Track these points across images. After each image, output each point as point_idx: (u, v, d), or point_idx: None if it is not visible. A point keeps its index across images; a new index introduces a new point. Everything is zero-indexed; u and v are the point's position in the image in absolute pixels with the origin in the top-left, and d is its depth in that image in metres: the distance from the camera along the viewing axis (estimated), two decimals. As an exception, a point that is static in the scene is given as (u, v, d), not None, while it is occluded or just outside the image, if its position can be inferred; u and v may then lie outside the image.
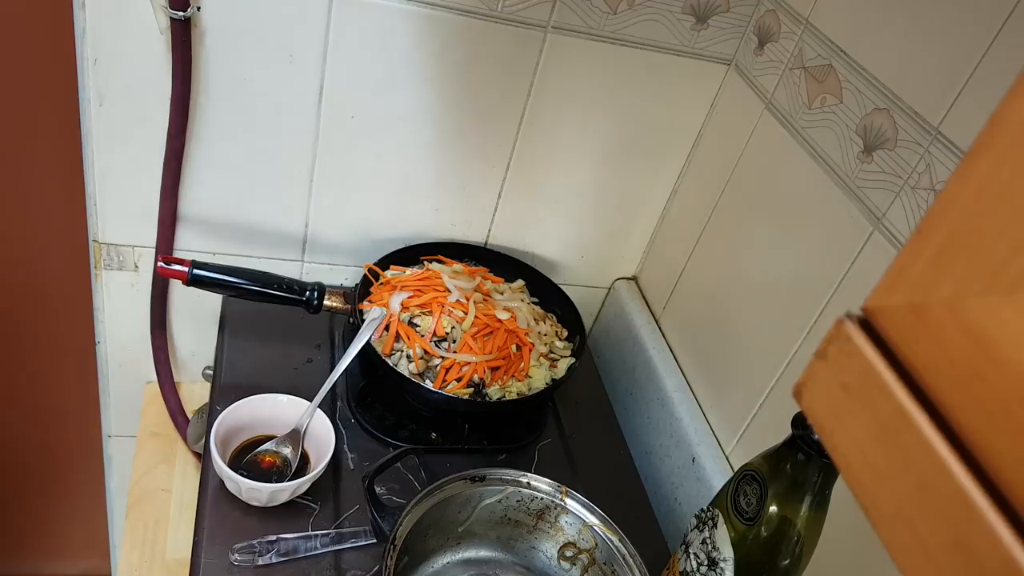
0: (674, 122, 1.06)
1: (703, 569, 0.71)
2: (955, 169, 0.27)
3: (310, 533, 0.81)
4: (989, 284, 0.24)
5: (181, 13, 0.82)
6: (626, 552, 0.81)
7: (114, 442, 1.25)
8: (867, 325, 0.29)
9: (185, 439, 1.13)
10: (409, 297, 0.98)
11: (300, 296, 0.93)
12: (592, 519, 0.83)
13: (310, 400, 0.86)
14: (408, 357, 0.93)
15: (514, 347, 0.98)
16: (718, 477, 0.91)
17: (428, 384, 0.92)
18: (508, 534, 0.86)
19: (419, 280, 1.01)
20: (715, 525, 0.70)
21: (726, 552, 0.69)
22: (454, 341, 0.96)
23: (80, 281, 1.07)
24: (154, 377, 1.14)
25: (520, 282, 1.10)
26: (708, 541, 0.71)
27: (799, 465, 0.65)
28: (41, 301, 1.11)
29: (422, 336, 0.95)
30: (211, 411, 0.89)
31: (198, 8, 0.84)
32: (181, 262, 0.88)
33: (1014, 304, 0.24)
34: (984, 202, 0.25)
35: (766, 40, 0.95)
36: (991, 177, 0.25)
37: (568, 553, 0.85)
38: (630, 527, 0.82)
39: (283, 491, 0.79)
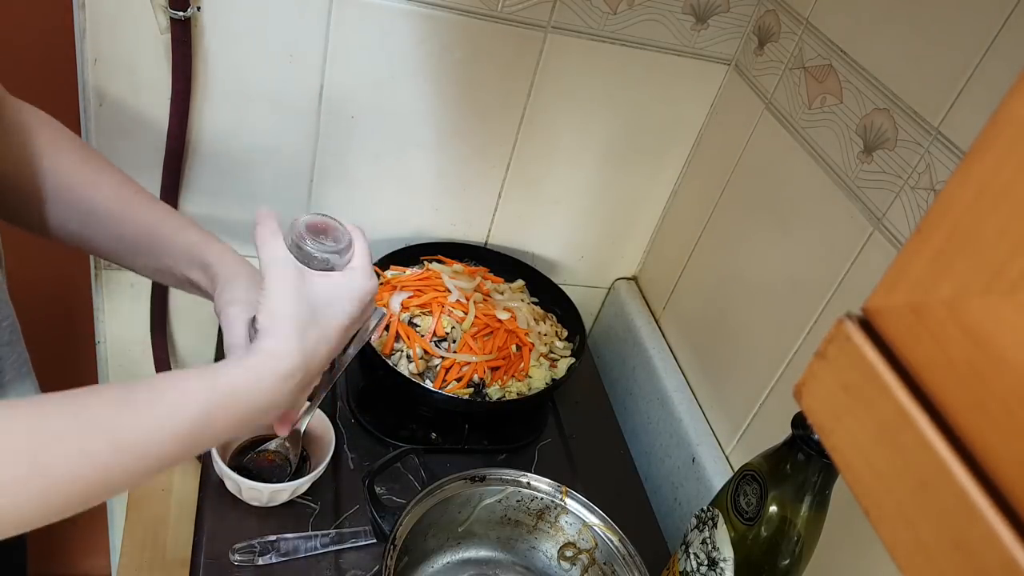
0: (674, 122, 1.06)
1: (703, 569, 0.71)
2: (955, 169, 0.27)
3: (310, 533, 0.80)
4: (989, 284, 0.24)
5: (181, 13, 0.82)
6: (626, 552, 0.81)
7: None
8: (867, 325, 0.29)
9: (185, 439, 1.12)
10: (409, 297, 0.98)
11: (300, 296, 0.93)
12: (592, 519, 0.83)
13: (310, 400, 0.86)
14: (408, 357, 0.93)
15: (514, 347, 0.98)
16: (718, 477, 0.91)
17: (428, 384, 0.92)
18: (508, 534, 0.86)
19: (419, 280, 1.01)
20: (715, 525, 0.70)
21: (726, 552, 0.69)
22: (454, 341, 0.96)
23: (80, 281, 1.07)
24: (154, 377, 1.14)
25: (520, 282, 1.10)
26: (708, 541, 0.71)
27: (799, 465, 0.65)
28: (41, 301, 1.11)
29: (422, 336, 0.95)
30: (211, 411, 0.89)
31: (198, 8, 0.84)
32: (181, 262, 0.88)
33: (1014, 304, 0.24)
34: (984, 202, 0.25)
35: (766, 40, 0.95)
36: (992, 177, 0.25)
37: (568, 553, 0.85)
38: (630, 527, 0.82)
39: (283, 491, 0.79)
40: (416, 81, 0.95)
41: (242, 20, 0.87)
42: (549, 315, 1.08)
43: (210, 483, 0.82)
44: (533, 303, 1.08)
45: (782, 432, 0.66)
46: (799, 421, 0.65)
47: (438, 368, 0.93)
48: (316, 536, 0.80)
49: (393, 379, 0.91)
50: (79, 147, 0.65)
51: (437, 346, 0.95)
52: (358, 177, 1.03)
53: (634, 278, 1.24)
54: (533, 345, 1.00)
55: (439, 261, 1.07)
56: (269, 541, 0.78)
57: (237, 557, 0.76)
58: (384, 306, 0.97)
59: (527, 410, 1.02)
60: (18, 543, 0.76)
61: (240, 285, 0.64)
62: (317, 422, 0.85)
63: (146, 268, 0.67)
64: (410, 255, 1.07)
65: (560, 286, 1.09)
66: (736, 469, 0.71)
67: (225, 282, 0.64)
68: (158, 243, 0.65)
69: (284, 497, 0.80)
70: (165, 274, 0.67)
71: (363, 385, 0.98)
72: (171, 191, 0.96)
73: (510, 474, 0.83)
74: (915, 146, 0.72)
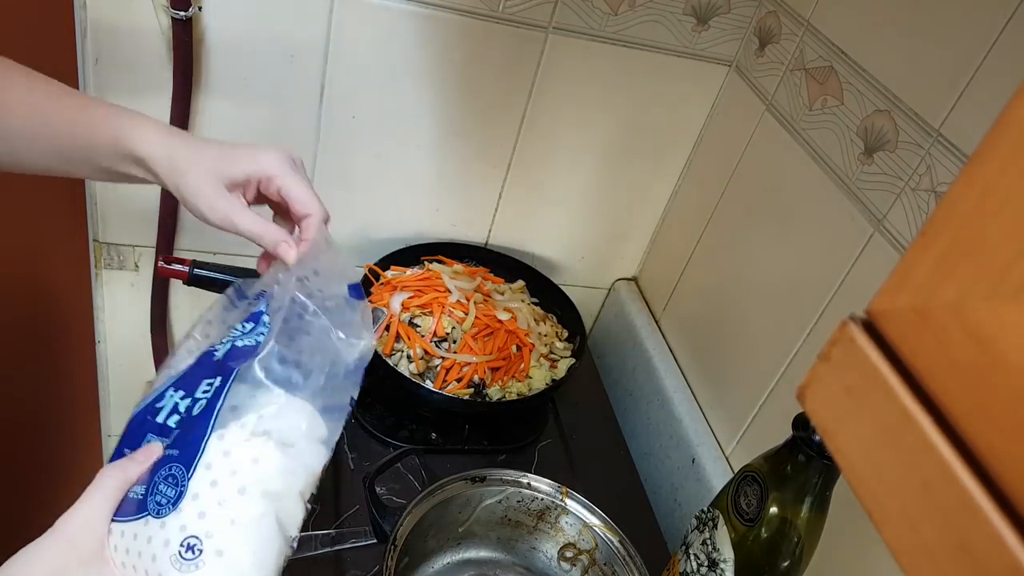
0: (675, 123, 1.06)
1: (703, 570, 0.71)
2: (959, 172, 0.27)
3: (310, 533, 0.80)
4: (993, 287, 0.24)
5: (182, 13, 0.82)
6: (626, 553, 0.81)
7: (114, 442, 1.25)
8: (871, 328, 0.29)
9: (185, 439, 1.12)
10: (410, 297, 0.98)
11: (301, 296, 0.93)
12: (592, 520, 0.83)
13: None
14: (408, 357, 0.93)
15: (514, 348, 0.98)
16: (718, 478, 0.91)
17: (428, 384, 0.92)
18: (508, 535, 0.86)
19: (419, 280, 1.01)
20: (715, 526, 0.70)
21: (726, 553, 0.69)
22: (454, 341, 0.96)
23: (80, 281, 1.07)
24: (154, 377, 1.14)
25: (520, 283, 1.10)
26: (708, 542, 0.71)
27: (800, 466, 0.65)
28: (41, 301, 1.11)
29: (422, 336, 0.95)
30: (211, 411, 0.89)
31: (199, 8, 0.84)
32: (182, 262, 0.88)
33: (1018, 307, 0.24)
34: (989, 205, 0.25)
35: (767, 41, 0.95)
36: (996, 180, 0.25)
37: (568, 554, 0.85)
38: (630, 528, 0.82)
39: (283, 491, 0.78)
40: (417, 81, 0.95)
41: (243, 20, 0.87)
42: (549, 316, 1.08)
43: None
44: (533, 304, 1.08)
45: (782, 433, 0.66)
46: (800, 422, 0.65)
47: (438, 368, 0.93)
48: (316, 536, 0.80)
49: (393, 379, 0.91)
50: None
51: (437, 346, 0.95)
52: (359, 177, 1.03)
53: (634, 279, 1.24)
54: (533, 346, 1.00)
55: (439, 261, 1.07)
56: (269, 541, 0.78)
57: (237, 557, 0.76)
58: (384, 306, 0.97)
59: (527, 410, 1.02)
60: None
61: (182, 173, 0.57)
62: (317, 422, 0.85)
63: (92, 174, 0.61)
64: (410, 255, 1.07)
65: (560, 287, 1.09)
66: (736, 470, 0.71)
67: (164, 171, 0.57)
68: (84, 147, 0.58)
69: (284, 497, 0.80)
70: (110, 175, 0.60)
71: (363, 385, 0.98)
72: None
73: (510, 474, 0.83)
74: (916, 148, 0.72)
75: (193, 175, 0.57)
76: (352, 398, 0.56)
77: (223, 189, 0.58)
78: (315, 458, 0.54)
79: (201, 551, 0.46)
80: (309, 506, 0.53)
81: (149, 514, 0.48)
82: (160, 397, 0.54)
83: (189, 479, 0.49)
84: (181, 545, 0.46)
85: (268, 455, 0.50)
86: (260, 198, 0.62)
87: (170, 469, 0.50)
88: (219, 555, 0.46)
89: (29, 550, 0.46)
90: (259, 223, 0.59)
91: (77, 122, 0.58)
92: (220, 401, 0.51)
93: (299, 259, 0.58)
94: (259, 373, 0.52)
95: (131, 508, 0.49)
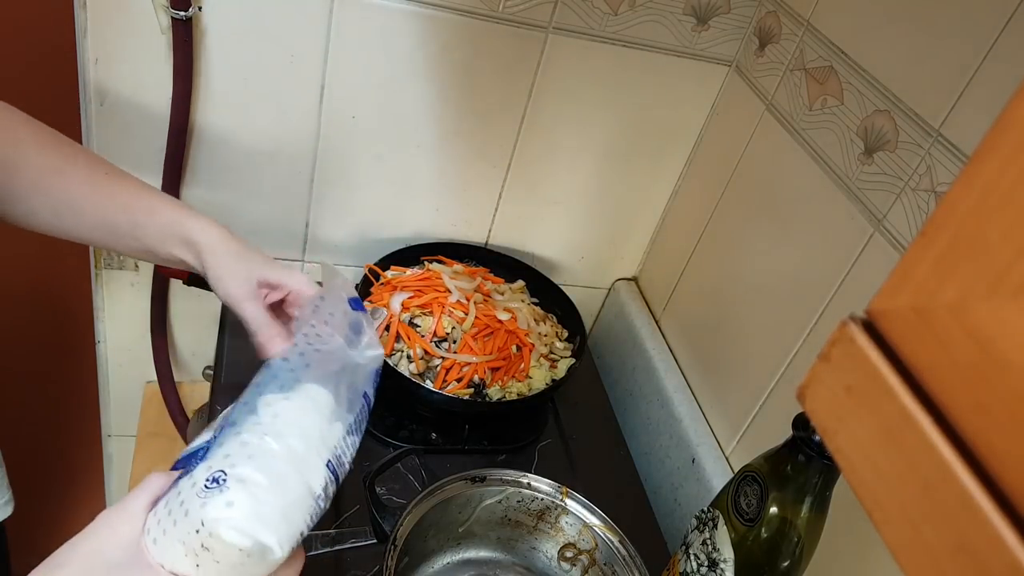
0: (675, 123, 1.06)
1: (703, 570, 0.71)
2: (960, 172, 0.27)
3: (310, 533, 0.80)
4: (993, 287, 0.24)
5: (182, 13, 0.82)
6: (626, 553, 0.81)
7: (114, 442, 1.25)
8: (871, 327, 0.29)
9: (185, 439, 1.13)
10: (410, 297, 0.98)
11: (301, 296, 0.93)
12: (592, 520, 0.83)
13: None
14: (408, 357, 0.93)
15: (514, 348, 0.98)
16: (718, 478, 0.91)
17: (428, 384, 0.92)
18: (508, 535, 0.86)
19: (419, 280, 1.01)
20: (715, 526, 0.70)
21: (726, 553, 0.69)
22: (454, 341, 0.96)
23: (80, 281, 1.07)
24: (154, 377, 1.14)
25: (520, 283, 1.10)
26: (708, 542, 0.71)
27: (800, 467, 0.65)
28: (42, 301, 1.11)
29: (422, 336, 0.95)
30: (211, 411, 0.89)
31: (199, 8, 0.84)
32: (182, 262, 0.88)
33: (1018, 307, 0.24)
34: (989, 205, 0.25)
35: (767, 41, 0.95)
36: (996, 180, 0.25)
37: (568, 554, 0.85)
38: (630, 528, 0.82)
39: (283, 491, 0.79)
40: (417, 82, 0.95)
41: (243, 20, 0.87)
42: (549, 316, 1.08)
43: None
44: (533, 304, 1.08)
45: (782, 433, 0.66)
46: (800, 422, 0.65)
47: (438, 368, 0.93)
48: (316, 536, 0.80)
49: (393, 379, 0.91)
50: (44, 134, 0.62)
51: (437, 346, 0.95)
52: (359, 177, 1.03)
53: (634, 279, 1.24)
54: (533, 346, 1.00)
55: (439, 261, 1.07)
56: (269, 541, 0.78)
57: (237, 557, 0.76)
58: (384, 306, 0.97)
59: (527, 410, 1.02)
60: None
61: (229, 259, 0.65)
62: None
63: (131, 250, 0.66)
64: (410, 255, 1.07)
65: (560, 287, 1.09)
66: (736, 470, 0.71)
67: (211, 256, 0.64)
68: (137, 226, 0.64)
69: (284, 497, 0.80)
70: (151, 255, 0.66)
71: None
72: (172, 191, 0.96)
73: (510, 474, 0.83)
74: (916, 148, 0.72)
75: (237, 265, 0.66)
76: (367, 393, 0.64)
77: (254, 281, 0.66)
78: (332, 428, 0.59)
79: (225, 480, 0.50)
80: (334, 479, 0.57)
81: (181, 479, 0.52)
82: (199, 450, 0.59)
83: (218, 438, 0.54)
84: (207, 479, 0.50)
85: (288, 413, 0.56)
86: (274, 307, 0.70)
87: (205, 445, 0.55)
88: (241, 482, 0.50)
89: (76, 537, 0.50)
90: (262, 315, 0.65)
91: (139, 203, 0.64)
92: (250, 387, 0.59)
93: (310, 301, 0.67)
94: (282, 363, 0.59)
95: (167, 491, 0.53)
